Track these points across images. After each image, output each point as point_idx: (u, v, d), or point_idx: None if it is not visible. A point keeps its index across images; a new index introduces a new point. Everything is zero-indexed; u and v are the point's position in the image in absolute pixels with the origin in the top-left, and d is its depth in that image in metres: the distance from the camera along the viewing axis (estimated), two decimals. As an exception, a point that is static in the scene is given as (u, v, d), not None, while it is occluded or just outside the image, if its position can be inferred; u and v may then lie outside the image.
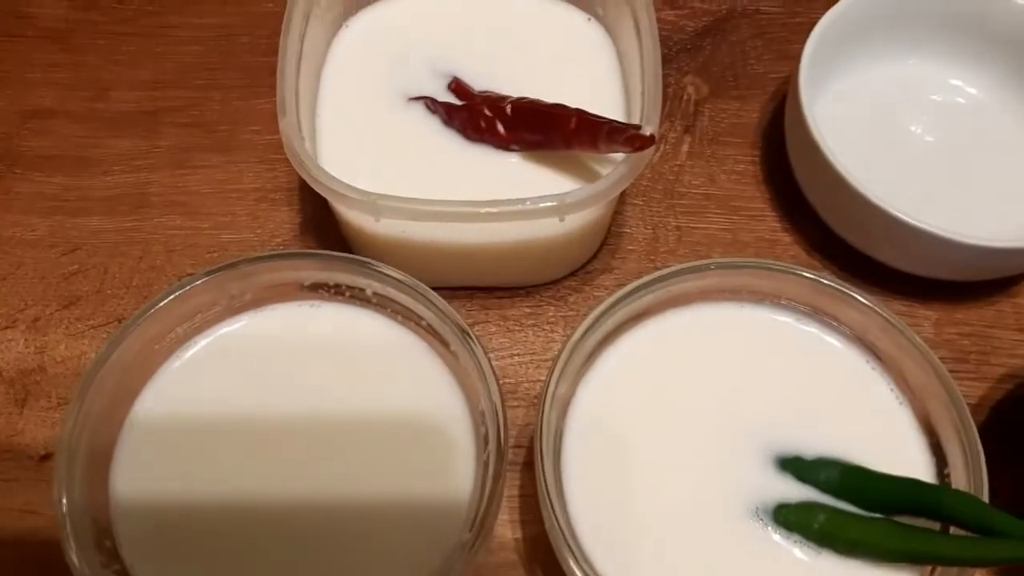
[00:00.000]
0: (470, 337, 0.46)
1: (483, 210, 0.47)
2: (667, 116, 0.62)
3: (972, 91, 0.61)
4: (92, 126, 0.62)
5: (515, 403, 0.53)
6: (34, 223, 0.58)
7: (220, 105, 0.62)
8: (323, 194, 0.48)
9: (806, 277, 0.48)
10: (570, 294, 0.56)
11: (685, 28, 0.66)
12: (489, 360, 0.45)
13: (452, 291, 0.56)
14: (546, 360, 0.55)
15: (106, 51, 0.64)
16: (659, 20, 0.64)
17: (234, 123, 0.61)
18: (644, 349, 0.48)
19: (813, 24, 0.58)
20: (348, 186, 0.47)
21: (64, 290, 0.56)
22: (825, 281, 0.48)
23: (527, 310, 0.56)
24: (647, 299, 0.48)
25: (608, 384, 0.47)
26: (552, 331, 0.55)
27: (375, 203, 0.47)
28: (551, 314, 0.56)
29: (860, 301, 0.47)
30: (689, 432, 0.46)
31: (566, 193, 0.47)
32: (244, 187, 0.59)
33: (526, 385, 0.54)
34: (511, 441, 0.52)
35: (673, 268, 0.47)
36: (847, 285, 0.47)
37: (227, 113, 0.62)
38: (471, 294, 0.56)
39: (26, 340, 0.54)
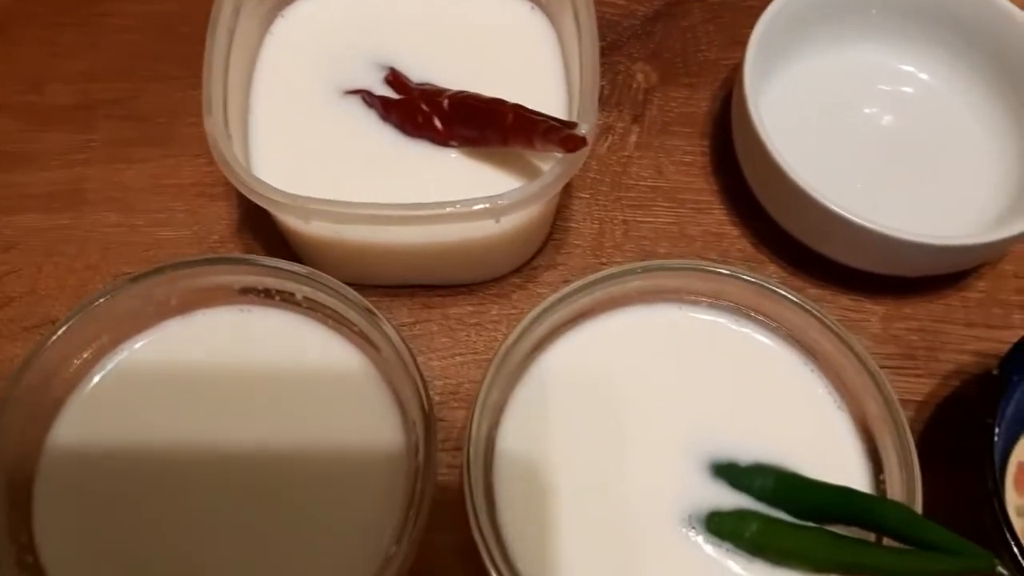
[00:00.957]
0: (404, 346, 0.45)
1: (414, 213, 0.46)
2: (616, 105, 0.61)
3: (924, 77, 0.60)
4: (27, 120, 0.60)
5: (455, 404, 0.52)
6: (-34, 222, 0.57)
7: (158, 97, 0.61)
8: (250, 197, 0.46)
9: (743, 279, 0.47)
10: (514, 291, 0.56)
11: (636, 12, 0.64)
12: (421, 375, 0.44)
13: (393, 289, 0.55)
14: (488, 360, 0.53)
15: (43, 42, 0.63)
16: (610, 4, 0.64)
17: (172, 115, 0.60)
18: (580, 352, 0.48)
19: (764, 8, 0.57)
20: (275, 190, 0.46)
21: (-3, 291, 0.55)
22: (762, 283, 0.47)
23: (470, 309, 0.55)
24: (583, 302, 0.47)
25: (543, 389, 0.47)
26: (495, 330, 0.55)
27: (304, 207, 0.46)
28: (494, 312, 0.55)
29: (797, 302, 0.46)
30: (622, 437, 0.46)
31: (499, 195, 0.46)
32: (182, 182, 0.58)
33: (467, 386, 0.53)
34: (450, 444, 0.51)
35: (601, 273, 0.47)
36: (783, 287, 0.47)
37: (165, 105, 0.60)
38: (412, 292, 0.55)
39: (-42, 343, 0.54)
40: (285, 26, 0.56)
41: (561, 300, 0.46)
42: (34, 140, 0.59)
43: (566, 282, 0.55)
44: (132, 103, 0.61)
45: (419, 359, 0.52)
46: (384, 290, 0.55)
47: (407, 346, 0.45)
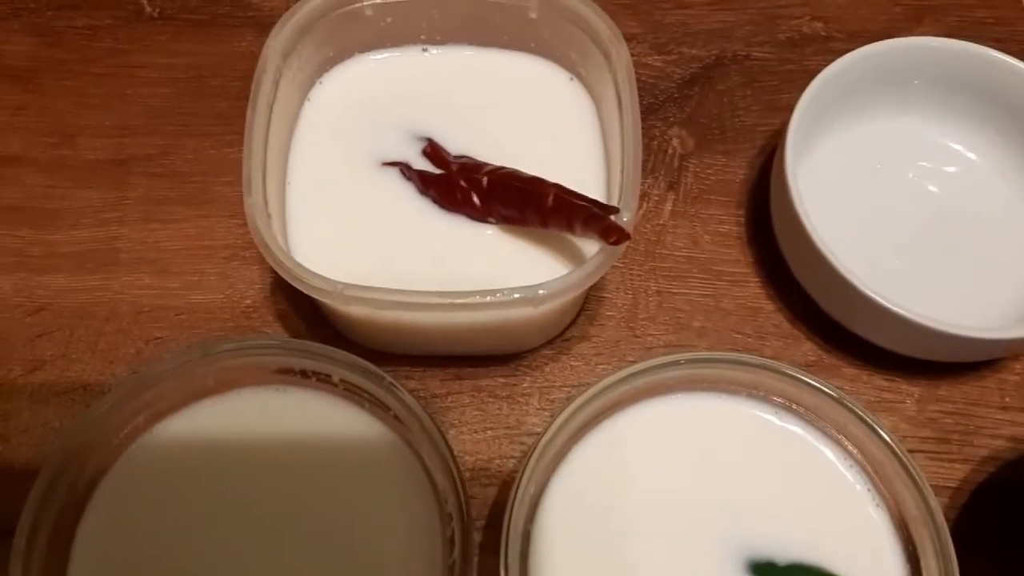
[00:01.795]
0: (441, 438, 0.45)
1: (452, 301, 0.46)
2: (651, 172, 0.61)
3: (972, 156, 0.59)
4: (59, 175, 0.60)
5: (487, 481, 0.52)
6: (-1, 280, 0.57)
7: (192, 154, 0.60)
8: (289, 280, 0.46)
9: (781, 372, 0.47)
10: (546, 363, 0.55)
11: (672, 75, 0.64)
12: (456, 463, 0.44)
13: (425, 359, 0.55)
14: (520, 434, 0.54)
15: (73, 93, 0.62)
16: (646, 67, 0.64)
17: (205, 174, 0.60)
18: (617, 442, 0.47)
19: (804, 72, 0.56)
20: (314, 275, 0.46)
21: (29, 353, 0.55)
22: (800, 376, 0.46)
23: (501, 380, 0.55)
24: (620, 391, 0.47)
25: (579, 482, 0.46)
26: (526, 403, 0.54)
27: (341, 293, 0.46)
28: (526, 385, 0.55)
29: (834, 396, 0.46)
30: (659, 530, 0.46)
31: (539, 285, 0.45)
32: (215, 243, 0.58)
33: (498, 462, 0.53)
34: (482, 522, 0.51)
35: (639, 367, 0.46)
36: (820, 380, 0.46)
37: (199, 163, 0.60)
38: (444, 361, 0.55)
39: (-10, 407, 0.53)
40: (323, 93, 0.55)
41: (599, 393, 0.46)
42: (66, 196, 0.59)
43: (597, 354, 0.56)
44: (165, 160, 0.60)
45: (450, 433, 0.53)
46: (416, 359, 0.55)
47: (444, 437, 0.45)
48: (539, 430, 0.53)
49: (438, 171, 0.53)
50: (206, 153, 0.60)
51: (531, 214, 0.50)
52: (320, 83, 0.56)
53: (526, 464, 0.44)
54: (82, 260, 0.57)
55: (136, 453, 0.48)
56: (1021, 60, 0.62)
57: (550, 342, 0.56)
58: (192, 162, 0.60)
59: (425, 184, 0.52)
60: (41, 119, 0.61)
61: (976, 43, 0.62)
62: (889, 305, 0.49)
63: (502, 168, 0.51)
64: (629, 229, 0.46)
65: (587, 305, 0.57)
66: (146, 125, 0.61)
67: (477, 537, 0.50)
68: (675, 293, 0.57)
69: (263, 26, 0.64)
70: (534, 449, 0.45)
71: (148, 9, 0.65)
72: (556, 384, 0.55)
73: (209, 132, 0.61)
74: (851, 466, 0.47)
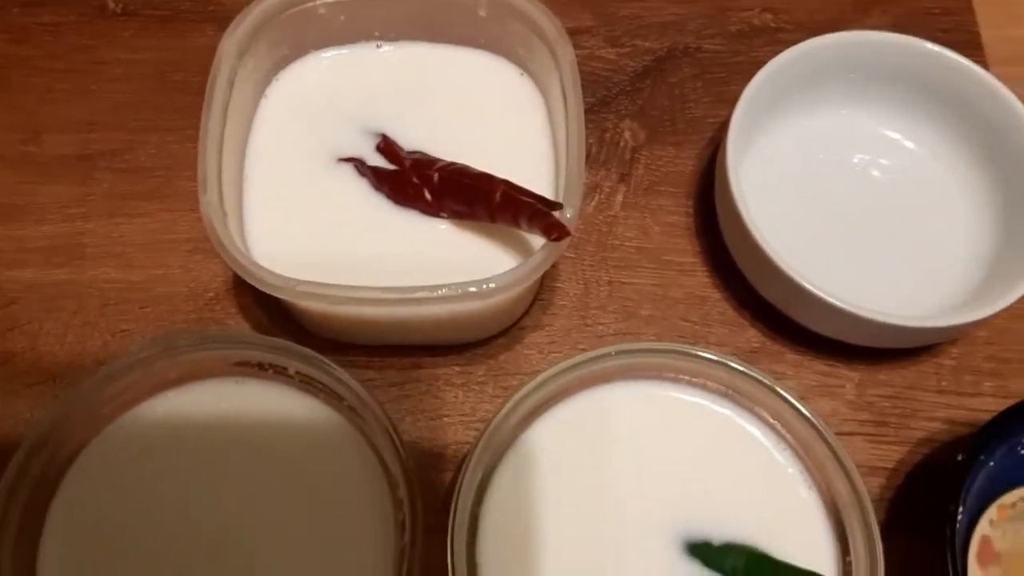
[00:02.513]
0: (392, 427, 0.47)
1: (403, 296, 0.47)
2: (603, 164, 0.62)
3: (909, 145, 0.61)
4: (26, 171, 0.61)
5: (442, 467, 0.54)
6: (-32, 275, 0.58)
7: (155, 149, 0.62)
8: (244, 277, 0.48)
9: (716, 361, 0.49)
10: (500, 352, 0.57)
11: (625, 68, 0.65)
12: (405, 458, 0.46)
13: (382, 348, 0.57)
14: (474, 421, 0.56)
15: (39, 89, 0.64)
16: (600, 59, 0.65)
17: (168, 168, 0.61)
18: (563, 429, 0.50)
19: (752, 63, 0.58)
20: (268, 272, 0.47)
21: (0, 347, 0.56)
22: (732, 364, 0.48)
23: (456, 369, 0.57)
24: (566, 379, 0.49)
25: (525, 466, 0.49)
26: (481, 391, 0.56)
27: (295, 290, 0.47)
28: (480, 374, 0.57)
29: (769, 386, 0.48)
30: (602, 513, 0.48)
31: (487, 279, 0.47)
32: (178, 236, 0.59)
33: (453, 447, 0.55)
34: (437, 506, 0.53)
35: (582, 357, 0.48)
36: (754, 368, 0.48)
37: (162, 158, 0.61)
38: (401, 351, 0.57)
39: (-39, 399, 0.55)
40: (279, 89, 0.57)
41: (544, 382, 0.48)
42: (33, 192, 0.60)
43: (551, 342, 0.58)
44: (129, 155, 0.62)
45: (407, 420, 0.55)
46: (374, 350, 0.57)
47: (394, 426, 0.47)
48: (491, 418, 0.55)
49: (392, 167, 0.54)
50: (169, 148, 0.62)
51: (480, 209, 0.51)
52: (276, 80, 0.57)
53: (473, 450, 0.46)
54: (50, 254, 0.59)
55: (102, 443, 0.49)
56: (968, 49, 0.65)
57: (504, 331, 0.58)
58: (155, 157, 0.62)
59: (379, 180, 0.54)
60: (8, 115, 0.63)
61: (923, 32, 0.64)
62: (825, 296, 0.51)
63: (453, 164, 0.53)
64: (572, 226, 0.48)
65: (540, 294, 0.59)
66: (110, 120, 0.63)
67: (432, 520, 0.52)
68: (625, 283, 0.59)
69: (224, 21, 0.64)
70: (481, 436, 0.47)
71: (112, 5, 0.66)
72: (510, 372, 0.57)
73: (171, 127, 0.62)
74: (784, 450, 0.49)
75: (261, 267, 0.47)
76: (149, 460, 0.49)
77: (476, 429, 0.55)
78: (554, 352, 0.57)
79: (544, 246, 0.48)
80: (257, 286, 0.48)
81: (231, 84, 0.52)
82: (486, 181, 0.51)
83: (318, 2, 0.54)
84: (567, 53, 0.52)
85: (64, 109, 0.63)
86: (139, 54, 0.65)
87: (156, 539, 0.48)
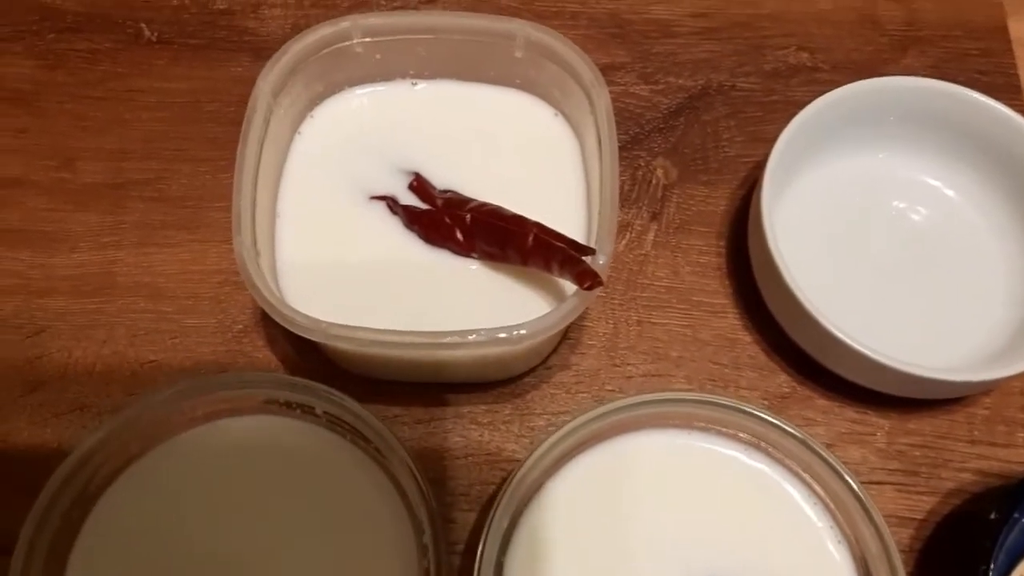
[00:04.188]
0: (418, 472, 0.47)
1: (433, 341, 0.47)
2: (635, 202, 0.62)
3: (949, 193, 0.60)
4: (58, 198, 0.61)
5: (467, 507, 0.54)
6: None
7: (187, 179, 0.62)
8: (275, 318, 0.48)
9: (747, 412, 0.48)
10: (527, 391, 0.57)
11: (659, 105, 0.65)
12: (431, 503, 0.46)
13: (410, 385, 0.56)
14: (500, 461, 0.55)
15: (73, 116, 0.64)
16: (633, 96, 0.65)
17: (200, 199, 0.61)
18: (589, 477, 0.49)
19: (788, 103, 0.57)
20: (299, 313, 0.47)
21: (28, 375, 0.57)
22: (764, 416, 0.48)
23: (483, 408, 0.56)
24: (593, 427, 0.49)
25: (550, 514, 0.48)
26: (507, 430, 0.56)
27: (325, 331, 0.47)
28: (507, 413, 0.56)
29: (802, 439, 0.48)
30: (626, 564, 0.47)
31: (516, 326, 0.47)
32: (208, 268, 0.60)
33: (478, 488, 0.55)
34: (460, 547, 0.53)
35: (612, 405, 0.48)
36: (786, 420, 0.48)
37: (194, 188, 0.62)
38: (428, 388, 0.57)
39: (-11, 427, 0.56)
40: (314, 126, 0.57)
41: (572, 431, 0.48)
42: (65, 220, 0.61)
43: (578, 382, 0.57)
44: (161, 184, 0.62)
45: (432, 458, 0.55)
46: (400, 386, 0.56)
47: (421, 472, 0.47)
48: (519, 457, 0.55)
49: (424, 206, 0.54)
50: (201, 178, 0.62)
51: (512, 252, 0.51)
52: (311, 116, 0.57)
53: (499, 498, 0.46)
54: (80, 283, 0.59)
55: (131, 476, 0.50)
56: (1006, 92, 0.64)
57: (532, 370, 0.57)
58: (187, 187, 0.62)
59: (411, 219, 0.54)
60: (42, 142, 0.63)
61: (961, 75, 0.64)
62: (857, 345, 0.50)
63: (486, 205, 0.53)
64: (604, 273, 0.47)
65: (569, 333, 0.58)
66: (143, 149, 0.63)
67: (456, 560, 0.52)
68: (655, 323, 0.59)
69: (259, 50, 0.66)
70: (507, 484, 0.47)
71: (147, 33, 0.66)
72: (536, 412, 0.56)
73: (204, 157, 0.62)
74: (815, 503, 0.49)
75: (292, 309, 0.47)
76: (176, 493, 0.50)
77: (502, 469, 0.55)
78: (582, 392, 0.57)
79: (576, 293, 0.48)
80: (288, 327, 0.48)
81: (267, 122, 0.52)
82: (518, 224, 0.51)
83: (355, 41, 0.54)
84: (603, 97, 0.52)
85: (97, 137, 0.63)
86: (173, 83, 0.65)
87: (179, 571, 0.48)
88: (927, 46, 0.67)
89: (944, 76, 0.61)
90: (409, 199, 0.55)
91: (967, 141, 0.59)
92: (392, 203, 0.55)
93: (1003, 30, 0.68)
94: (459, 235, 0.53)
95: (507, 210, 0.52)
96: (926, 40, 0.68)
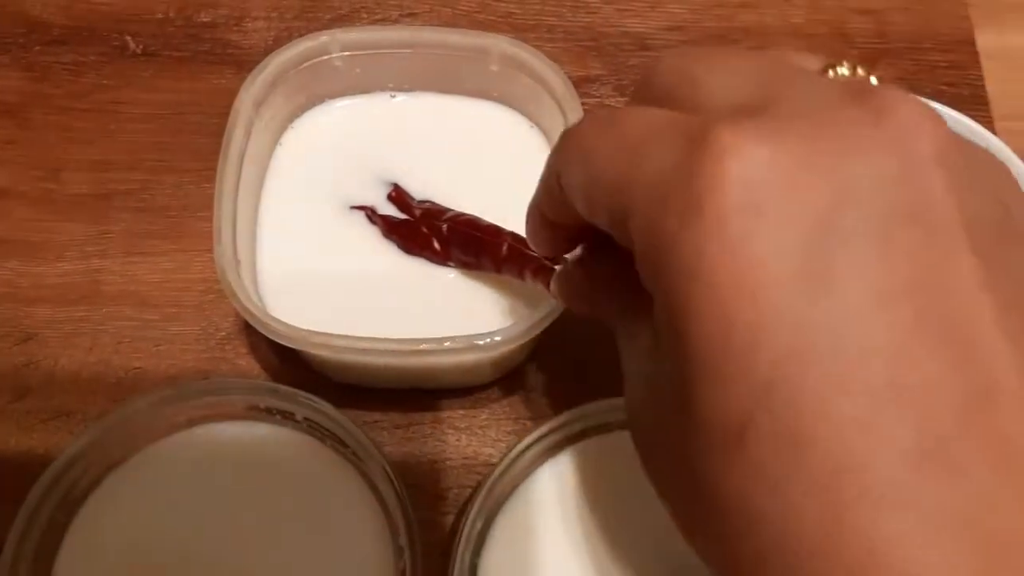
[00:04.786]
0: (394, 477, 0.48)
1: (411, 348, 0.49)
2: (610, 211, 0.63)
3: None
4: (45, 209, 0.63)
5: (445, 510, 0.55)
6: (-13, 310, 0.60)
7: (171, 189, 0.63)
8: (255, 326, 0.49)
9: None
10: (504, 396, 0.58)
11: (633, 117, 0.66)
12: (407, 507, 0.47)
13: (388, 391, 0.58)
14: (476, 465, 0.57)
15: (59, 128, 0.65)
16: (608, 108, 0.66)
17: (184, 208, 0.63)
18: (560, 479, 0.51)
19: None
20: (279, 322, 0.49)
21: (16, 382, 0.58)
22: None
23: (461, 412, 0.58)
24: (566, 431, 0.50)
25: (523, 516, 0.50)
26: (484, 435, 0.57)
27: (304, 339, 0.49)
28: (484, 417, 0.58)
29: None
30: (601, 561, 0.49)
31: (490, 333, 0.49)
32: (192, 276, 0.61)
33: (455, 491, 0.56)
34: (438, 550, 0.54)
35: (582, 409, 0.49)
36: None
37: (177, 198, 0.63)
38: (407, 394, 0.58)
39: (-23, 433, 0.57)
40: (294, 137, 0.58)
41: (546, 435, 0.49)
42: (51, 230, 0.62)
43: (553, 387, 0.59)
44: (145, 194, 0.63)
45: (410, 463, 0.56)
46: (379, 391, 0.58)
47: (397, 477, 0.48)
48: (495, 461, 0.56)
49: (403, 216, 0.56)
50: (185, 188, 0.63)
51: (487, 261, 0.53)
52: (291, 128, 0.58)
53: (473, 499, 0.48)
54: (66, 291, 0.60)
55: (113, 484, 0.51)
56: (972, 104, 0.66)
57: (508, 375, 0.59)
58: (171, 197, 0.63)
59: (389, 229, 0.55)
60: (28, 153, 0.64)
61: (929, 86, 0.66)
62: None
63: (463, 215, 0.54)
64: (575, 281, 0.49)
65: (544, 339, 0.59)
66: (128, 160, 0.64)
67: (430, 564, 0.54)
68: (629, 329, 0.60)
69: (242, 63, 0.67)
70: (482, 486, 0.48)
71: (132, 46, 0.68)
72: (512, 416, 0.58)
73: (188, 168, 0.64)
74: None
75: (273, 318, 0.49)
76: (158, 498, 0.51)
77: (478, 473, 0.56)
78: (556, 396, 0.58)
79: (549, 300, 0.49)
80: (269, 336, 0.49)
81: (248, 135, 0.53)
82: (494, 234, 0.53)
83: (334, 55, 0.56)
84: (576, 110, 0.53)
85: (83, 148, 0.64)
86: (157, 95, 0.66)
87: (161, 572, 0.49)
88: (896, 58, 0.69)
89: (913, 88, 0.62)
90: (388, 209, 0.56)
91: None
92: (371, 213, 0.56)
93: (970, 43, 0.69)
94: (436, 244, 0.54)
95: (484, 220, 0.54)
96: (895, 52, 0.69)
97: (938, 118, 0.25)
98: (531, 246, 0.42)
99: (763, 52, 0.32)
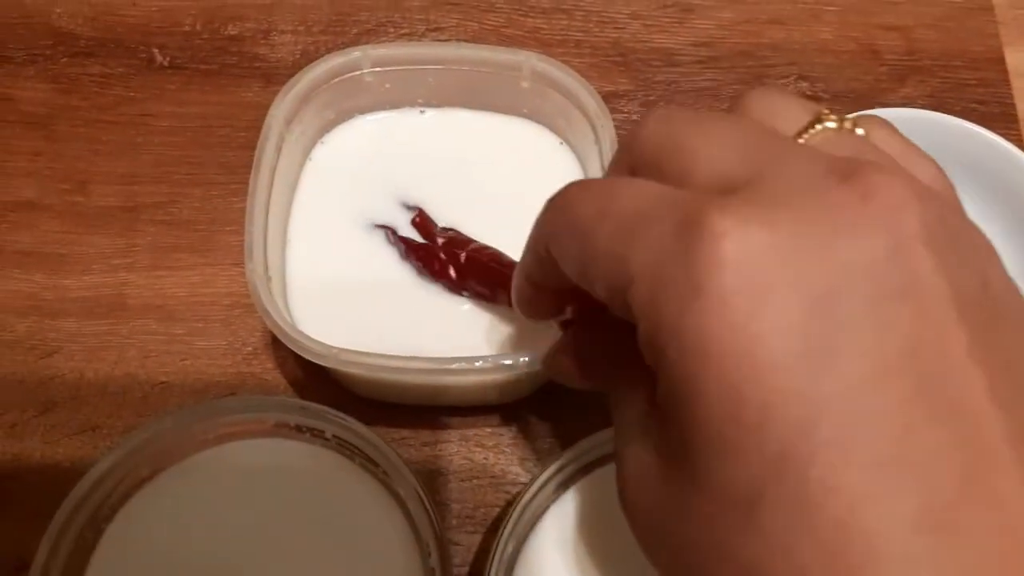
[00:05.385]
0: (425, 497, 0.48)
1: (439, 367, 0.49)
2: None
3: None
4: (71, 221, 0.62)
5: (471, 529, 0.55)
6: (12, 323, 0.59)
7: (198, 202, 0.63)
8: (286, 343, 0.49)
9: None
10: (532, 414, 0.58)
11: (661, 133, 0.66)
12: (437, 528, 0.47)
13: (416, 408, 0.57)
14: (504, 483, 0.56)
15: (87, 140, 0.65)
16: (635, 124, 0.66)
17: (211, 222, 0.62)
18: (591, 501, 0.50)
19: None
20: (309, 339, 0.48)
21: (41, 395, 0.58)
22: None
23: (488, 430, 0.57)
24: (593, 454, 0.50)
25: (554, 538, 0.49)
26: (512, 453, 0.57)
27: (336, 357, 0.48)
28: (512, 435, 0.57)
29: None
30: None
31: (522, 353, 0.48)
32: (218, 290, 0.61)
33: (483, 510, 0.56)
34: (465, 569, 0.54)
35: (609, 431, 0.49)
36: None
37: (204, 211, 0.63)
38: (435, 411, 0.58)
39: (3, 446, 0.56)
40: (324, 152, 0.58)
41: (576, 456, 0.49)
42: (78, 242, 0.62)
43: (583, 404, 0.58)
44: (172, 207, 0.63)
45: (438, 481, 0.56)
46: (407, 408, 0.57)
47: (428, 497, 0.48)
48: (523, 480, 0.56)
49: (423, 240, 0.56)
50: (212, 202, 0.63)
51: (502, 295, 0.53)
52: (321, 143, 0.58)
53: (504, 523, 0.47)
54: (92, 305, 0.60)
55: (142, 500, 0.51)
56: (1003, 122, 0.65)
57: (538, 391, 0.58)
58: (198, 210, 0.63)
59: (408, 251, 0.55)
60: (56, 165, 0.64)
61: (958, 104, 0.65)
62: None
63: (488, 248, 0.54)
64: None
65: (572, 358, 0.59)
66: (155, 173, 0.64)
67: (460, 583, 0.53)
68: (657, 348, 0.60)
69: (269, 76, 0.67)
70: (513, 507, 0.47)
71: (159, 58, 0.68)
72: (541, 435, 0.57)
73: (215, 181, 0.64)
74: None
75: (304, 334, 0.49)
76: (187, 515, 0.50)
77: (506, 492, 0.56)
78: (586, 416, 0.58)
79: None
80: (299, 352, 0.49)
81: (279, 150, 0.53)
82: (511, 270, 0.52)
83: (365, 71, 0.56)
84: (607, 128, 0.53)
85: (110, 160, 0.64)
86: (184, 107, 0.66)
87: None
88: (926, 76, 0.69)
89: (942, 105, 0.63)
90: (407, 230, 0.56)
91: (964, 171, 0.59)
92: (391, 233, 0.56)
93: (1000, 60, 0.69)
94: (452, 273, 0.54)
95: (507, 256, 0.54)
96: (925, 70, 0.69)
97: (924, 195, 0.26)
98: (520, 311, 0.42)
99: (744, 115, 0.32)
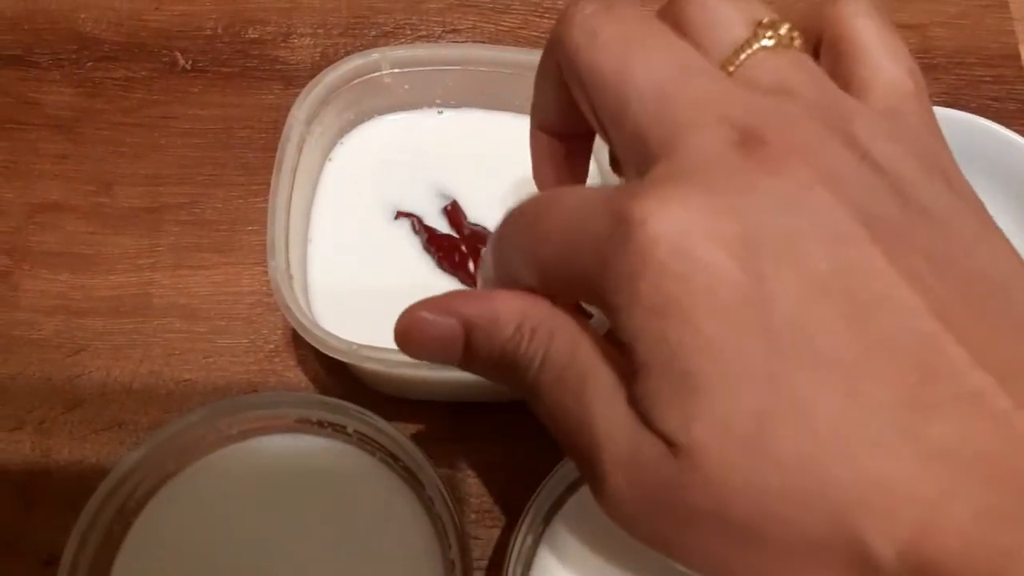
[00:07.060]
0: (446, 491, 0.48)
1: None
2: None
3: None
4: (97, 222, 0.64)
5: (491, 523, 0.56)
6: (40, 322, 0.61)
7: (221, 203, 0.64)
8: (308, 340, 0.50)
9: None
10: (550, 409, 0.58)
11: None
12: (458, 522, 0.48)
13: (437, 403, 0.58)
14: (524, 477, 0.56)
15: (111, 142, 0.66)
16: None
17: (233, 222, 0.63)
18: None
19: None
20: (331, 335, 0.49)
21: (69, 393, 0.59)
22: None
23: (508, 425, 0.58)
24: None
25: (571, 531, 0.50)
26: (532, 447, 0.57)
27: (356, 353, 0.49)
28: (531, 429, 0.57)
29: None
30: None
31: (540, 348, 0.49)
32: (241, 289, 0.62)
33: (502, 503, 0.56)
34: (484, 563, 0.55)
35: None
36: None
37: (227, 212, 0.64)
38: (455, 406, 0.58)
39: (32, 443, 0.58)
40: (344, 152, 0.59)
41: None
42: (103, 243, 0.63)
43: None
44: (195, 208, 0.64)
45: (458, 476, 0.57)
46: (427, 404, 0.58)
47: (448, 491, 0.48)
48: (543, 474, 0.56)
49: (448, 231, 0.56)
50: (234, 202, 0.64)
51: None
52: (341, 143, 0.59)
53: (523, 518, 0.48)
54: (118, 304, 0.61)
55: (168, 495, 0.52)
56: (1018, 118, 0.65)
57: (554, 389, 0.59)
58: (221, 211, 0.64)
59: (430, 240, 0.56)
60: (81, 168, 0.65)
61: (974, 101, 0.65)
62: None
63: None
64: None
65: (590, 354, 0.60)
66: (178, 175, 0.65)
67: (480, 576, 0.54)
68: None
69: (289, 78, 0.68)
70: (532, 502, 0.48)
71: (182, 62, 0.69)
72: (559, 429, 0.58)
73: (237, 182, 0.65)
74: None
75: (325, 331, 0.49)
76: (211, 510, 0.51)
77: (527, 486, 0.56)
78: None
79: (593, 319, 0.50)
80: (322, 349, 0.50)
81: (300, 150, 0.54)
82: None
83: (384, 72, 0.57)
84: (622, 126, 0.53)
85: (134, 162, 0.66)
86: (206, 110, 0.67)
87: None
88: (941, 73, 0.69)
89: (957, 102, 0.63)
90: (432, 222, 0.57)
91: (980, 169, 0.60)
92: (416, 221, 0.57)
93: (1015, 57, 0.69)
94: (471, 267, 0.55)
95: None
96: (940, 67, 0.69)
97: (812, 146, 0.29)
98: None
99: (678, 25, 0.34)
